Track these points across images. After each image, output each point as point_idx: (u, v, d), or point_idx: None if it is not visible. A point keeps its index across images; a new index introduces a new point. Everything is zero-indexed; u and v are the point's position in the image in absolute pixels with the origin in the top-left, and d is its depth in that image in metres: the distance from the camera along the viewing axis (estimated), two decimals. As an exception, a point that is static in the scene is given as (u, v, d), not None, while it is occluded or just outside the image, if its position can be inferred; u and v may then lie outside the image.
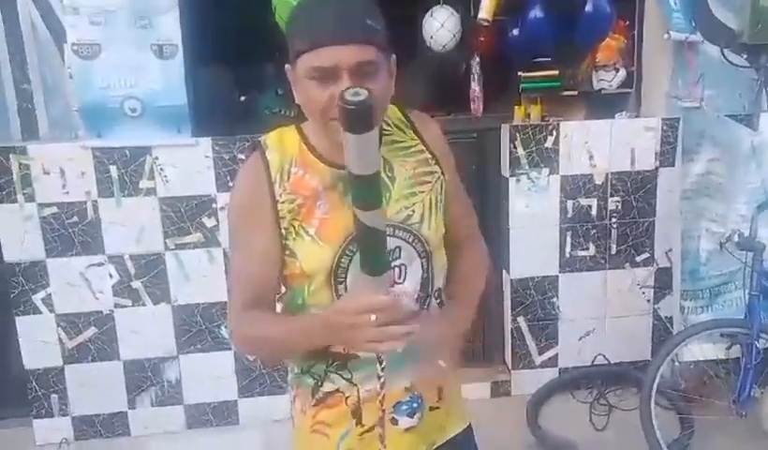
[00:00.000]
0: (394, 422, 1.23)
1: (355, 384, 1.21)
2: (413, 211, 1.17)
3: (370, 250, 1.02)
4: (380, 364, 1.09)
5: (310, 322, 1.14)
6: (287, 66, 1.11)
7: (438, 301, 1.24)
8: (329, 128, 1.08)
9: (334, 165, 1.14)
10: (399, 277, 1.18)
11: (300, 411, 1.28)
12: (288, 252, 1.16)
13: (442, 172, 1.23)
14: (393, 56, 1.13)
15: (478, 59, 3.01)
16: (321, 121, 1.09)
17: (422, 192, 1.19)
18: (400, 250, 1.17)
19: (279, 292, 1.23)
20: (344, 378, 1.21)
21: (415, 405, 1.23)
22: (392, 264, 1.16)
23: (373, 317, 0.99)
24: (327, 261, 1.13)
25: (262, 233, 1.15)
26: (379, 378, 1.10)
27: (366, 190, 0.97)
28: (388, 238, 1.11)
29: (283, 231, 1.14)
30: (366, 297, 1.02)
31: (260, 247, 1.16)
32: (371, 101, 0.91)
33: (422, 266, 1.19)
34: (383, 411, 1.13)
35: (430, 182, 1.21)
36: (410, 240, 1.17)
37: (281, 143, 1.18)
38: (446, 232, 1.26)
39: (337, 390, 1.22)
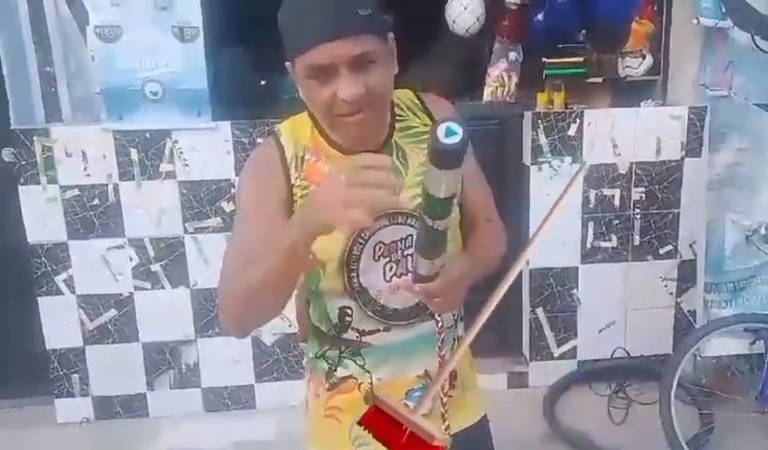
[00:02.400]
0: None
1: (368, 371, 1.20)
2: None
3: (430, 245, 1.00)
4: (437, 324, 1.14)
5: (287, 225, 1.01)
6: (287, 62, 1.08)
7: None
8: (336, 124, 1.07)
9: (347, 151, 1.12)
10: (412, 265, 1.14)
11: (314, 395, 1.27)
12: None
13: None
14: (391, 35, 1.09)
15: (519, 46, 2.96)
16: (327, 118, 1.07)
17: None
18: (412, 238, 1.14)
19: None
20: (357, 364, 1.20)
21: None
22: (405, 253, 1.15)
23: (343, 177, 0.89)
24: (339, 249, 1.11)
25: (275, 214, 1.11)
26: (438, 334, 1.14)
27: (439, 207, 0.93)
28: (400, 227, 1.13)
29: None
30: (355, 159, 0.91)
31: (270, 227, 1.09)
32: (466, 139, 0.85)
33: None
34: (442, 372, 1.07)
35: None
36: None
37: (294, 130, 1.16)
38: (462, 219, 1.23)
39: (351, 376, 1.21)
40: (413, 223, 1.13)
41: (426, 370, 1.22)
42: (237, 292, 1.07)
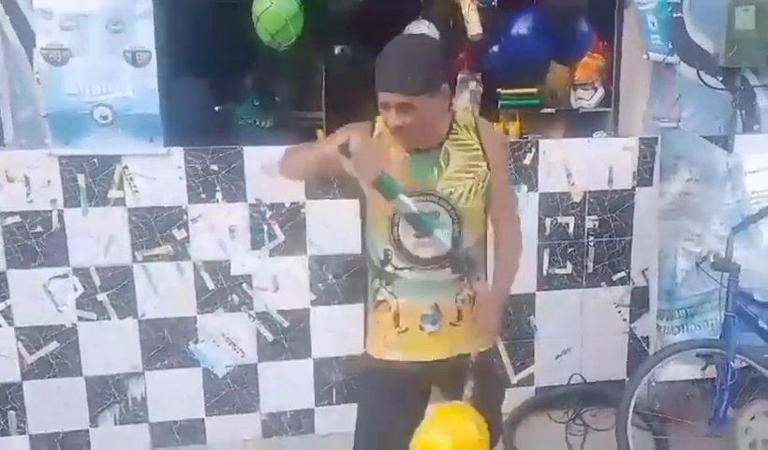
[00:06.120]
0: (422, 328, 1.79)
1: (396, 297, 1.79)
2: (455, 189, 1.73)
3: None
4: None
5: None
6: None
7: (466, 256, 1.77)
8: (393, 134, 1.69)
9: (405, 150, 1.73)
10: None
11: (371, 310, 1.88)
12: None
13: (488, 168, 1.76)
14: (445, 86, 1.65)
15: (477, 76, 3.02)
16: (388, 129, 1.69)
17: (467, 178, 1.74)
18: (439, 215, 1.73)
19: None
20: (388, 291, 1.80)
21: (436, 317, 1.79)
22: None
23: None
24: (389, 212, 1.71)
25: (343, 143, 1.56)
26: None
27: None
28: (432, 204, 1.72)
29: None
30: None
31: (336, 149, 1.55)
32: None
33: (454, 228, 1.75)
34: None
35: (475, 171, 1.75)
36: (447, 208, 1.73)
37: (382, 124, 1.72)
38: (489, 210, 1.81)
39: (385, 300, 1.82)
40: (443, 204, 1.73)
41: (436, 303, 1.78)
42: (294, 157, 1.82)
